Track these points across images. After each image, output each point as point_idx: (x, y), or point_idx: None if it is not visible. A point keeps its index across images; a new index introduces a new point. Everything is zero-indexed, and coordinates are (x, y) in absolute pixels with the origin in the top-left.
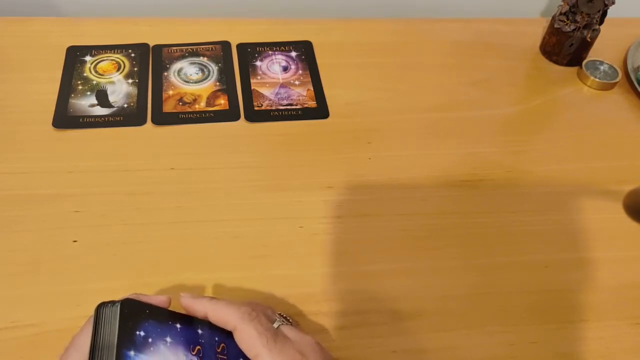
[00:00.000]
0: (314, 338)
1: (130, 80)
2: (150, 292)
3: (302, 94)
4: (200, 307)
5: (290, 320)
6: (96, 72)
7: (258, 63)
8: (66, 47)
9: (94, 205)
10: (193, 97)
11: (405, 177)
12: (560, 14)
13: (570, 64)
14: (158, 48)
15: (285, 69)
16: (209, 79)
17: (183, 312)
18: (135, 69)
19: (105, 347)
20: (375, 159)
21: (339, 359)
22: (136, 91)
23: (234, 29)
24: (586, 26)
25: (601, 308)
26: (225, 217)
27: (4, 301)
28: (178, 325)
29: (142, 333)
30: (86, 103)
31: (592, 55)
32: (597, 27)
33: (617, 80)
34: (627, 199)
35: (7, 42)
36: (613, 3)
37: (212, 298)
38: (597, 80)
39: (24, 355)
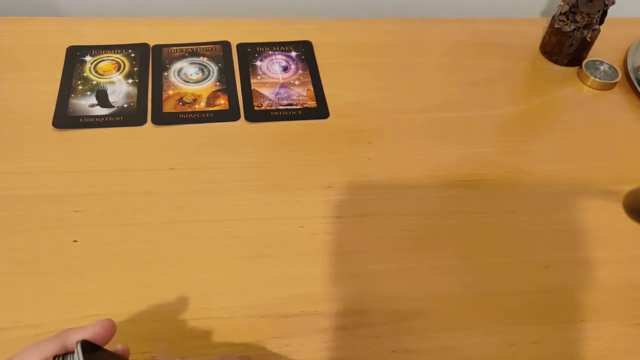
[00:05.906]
0: None
1: (130, 80)
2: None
3: (302, 94)
4: None
5: None
6: (96, 72)
7: (258, 63)
8: (66, 47)
9: (94, 205)
10: (193, 97)
11: (405, 177)
12: (560, 14)
13: (570, 64)
14: (158, 48)
15: (285, 69)
16: (209, 79)
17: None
18: (135, 69)
19: None
20: (375, 159)
21: (339, 359)
22: (136, 91)
23: (234, 29)
24: (586, 26)
25: (601, 308)
26: (225, 217)
27: (4, 301)
28: None
29: None
30: (86, 103)
31: (592, 55)
32: (597, 27)
33: (617, 80)
34: (627, 199)
35: (7, 42)
36: (613, 3)
37: (182, 358)
38: (597, 80)
39: None
